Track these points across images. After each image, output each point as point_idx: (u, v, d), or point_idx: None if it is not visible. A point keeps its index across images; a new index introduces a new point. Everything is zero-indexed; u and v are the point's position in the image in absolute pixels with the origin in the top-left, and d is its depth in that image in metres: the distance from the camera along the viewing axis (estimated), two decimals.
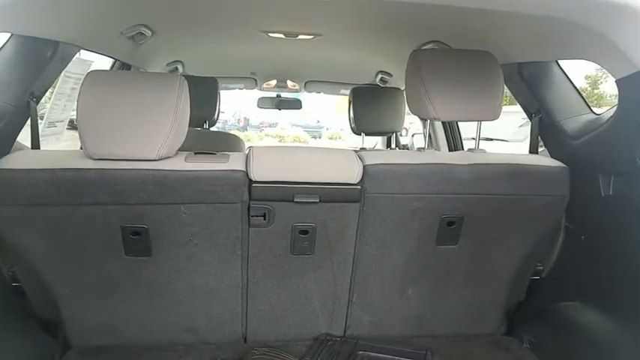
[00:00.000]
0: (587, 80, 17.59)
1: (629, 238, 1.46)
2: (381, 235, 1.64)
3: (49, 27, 1.57)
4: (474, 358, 1.72)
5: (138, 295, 1.63)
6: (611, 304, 1.54)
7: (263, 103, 4.09)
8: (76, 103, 2.10)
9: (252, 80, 3.68)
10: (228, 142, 2.71)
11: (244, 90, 3.88)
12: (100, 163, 1.43)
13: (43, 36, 1.59)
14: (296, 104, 4.15)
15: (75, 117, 1.48)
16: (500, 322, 1.87)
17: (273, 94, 4.07)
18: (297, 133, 16.13)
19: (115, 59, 2.52)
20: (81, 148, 1.47)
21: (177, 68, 3.08)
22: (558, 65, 1.80)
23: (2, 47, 1.58)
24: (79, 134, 1.43)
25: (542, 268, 1.85)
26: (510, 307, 1.89)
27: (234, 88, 3.83)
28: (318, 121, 17.89)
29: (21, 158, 1.48)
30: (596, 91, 17.63)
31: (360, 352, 1.67)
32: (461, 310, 1.82)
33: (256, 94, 4.10)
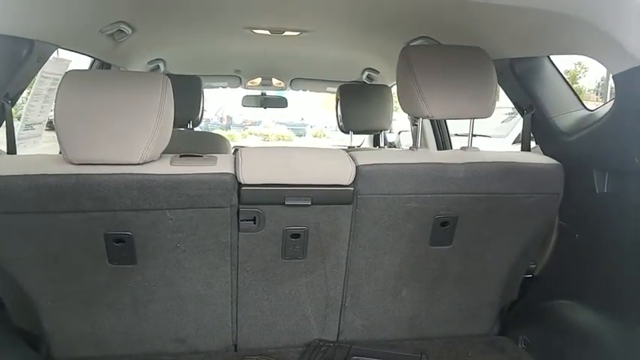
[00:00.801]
0: (566, 75, 17.83)
1: (624, 236, 1.44)
2: (374, 237, 1.60)
3: (24, 24, 1.49)
4: (465, 354, 1.70)
5: (123, 304, 1.56)
6: (606, 302, 1.52)
7: (247, 101, 4.02)
8: (54, 104, 2.00)
9: (236, 78, 3.61)
10: (213, 143, 2.64)
11: (228, 88, 3.81)
12: (80, 168, 1.36)
13: (18, 34, 1.51)
14: (281, 102, 4.10)
15: (53, 118, 1.41)
16: (494, 322, 1.85)
17: (258, 93, 4.00)
18: (281, 131, 16.03)
19: (94, 58, 2.44)
20: (60, 153, 1.40)
21: (158, 67, 3.00)
22: (550, 61, 1.77)
23: None
24: (58, 138, 1.36)
25: (534, 266, 1.83)
26: (504, 306, 1.87)
27: (217, 87, 3.75)
28: (302, 119, 17.81)
29: None
30: (575, 85, 17.89)
31: (354, 358, 1.63)
32: (454, 310, 1.79)
33: (240, 92, 4.03)
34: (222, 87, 3.75)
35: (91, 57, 2.39)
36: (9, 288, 1.52)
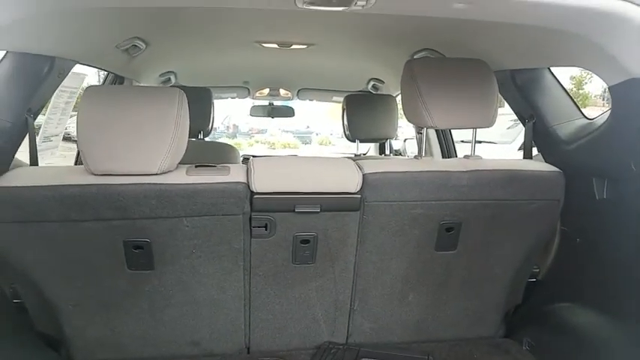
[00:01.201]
0: (572, 81, 17.88)
1: (624, 241, 1.49)
2: (381, 243, 1.66)
3: (46, 43, 1.57)
4: (472, 355, 1.75)
5: (141, 308, 1.63)
6: (607, 305, 1.57)
7: (255, 111, 4.11)
8: (69, 116, 2.09)
9: (244, 89, 3.70)
10: (223, 152, 2.71)
11: (236, 99, 3.89)
12: (101, 178, 1.43)
13: (40, 52, 1.59)
14: (288, 112, 4.18)
15: (69, 130, 1.47)
16: (499, 325, 1.90)
17: (266, 103, 4.09)
18: (287, 139, 16.14)
19: (109, 72, 2.52)
20: (78, 163, 1.47)
21: (169, 79, 3.09)
22: (550, 72, 1.83)
23: None
24: (80, 150, 1.44)
25: (538, 270, 1.88)
26: (509, 310, 1.92)
27: (226, 97, 3.83)
28: (308, 127, 17.89)
29: (22, 175, 1.47)
30: (581, 91, 17.91)
31: (364, 356, 1.69)
32: (460, 314, 1.84)
33: (247, 101, 4.11)
34: (231, 98, 3.83)
35: (106, 71, 2.47)
36: (31, 293, 1.59)
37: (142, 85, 2.79)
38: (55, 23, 1.50)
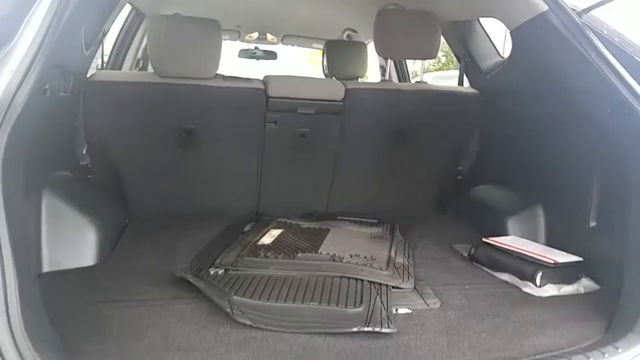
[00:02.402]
0: None
1: (520, 138, 2.24)
2: (356, 139, 2.36)
3: None
4: (414, 220, 2.45)
5: (184, 177, 2.28)
6: (503, 180, 2.33)
7: (243, 53, 4.68)
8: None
9: (236, 32, 4.25)
10: None
11: (228, 41, 4.43)
12: (165, 79, 2.05)
13: None
14: (272, 55, 4.76)
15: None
16: (434, 204, 2.66)
17: (252, 47, 4.65)
18: None
19: (134, 8, 3.07)
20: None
21: None
22: (479, 23, 2.54)
23: None
24: (151, 60, 2.05)
25: (462, 169, 2.63)
26: (441, 197, 2.67)
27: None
28: None
29: (108, 75, 2.09)
30: None
31: (339, 217, 2.41)
32: (405, 196, 2.58)
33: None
34: (224, 40, 4.36)
35: (134, 7, 3.02)
36: (104, 165, 2.17)
37: None
38: None
